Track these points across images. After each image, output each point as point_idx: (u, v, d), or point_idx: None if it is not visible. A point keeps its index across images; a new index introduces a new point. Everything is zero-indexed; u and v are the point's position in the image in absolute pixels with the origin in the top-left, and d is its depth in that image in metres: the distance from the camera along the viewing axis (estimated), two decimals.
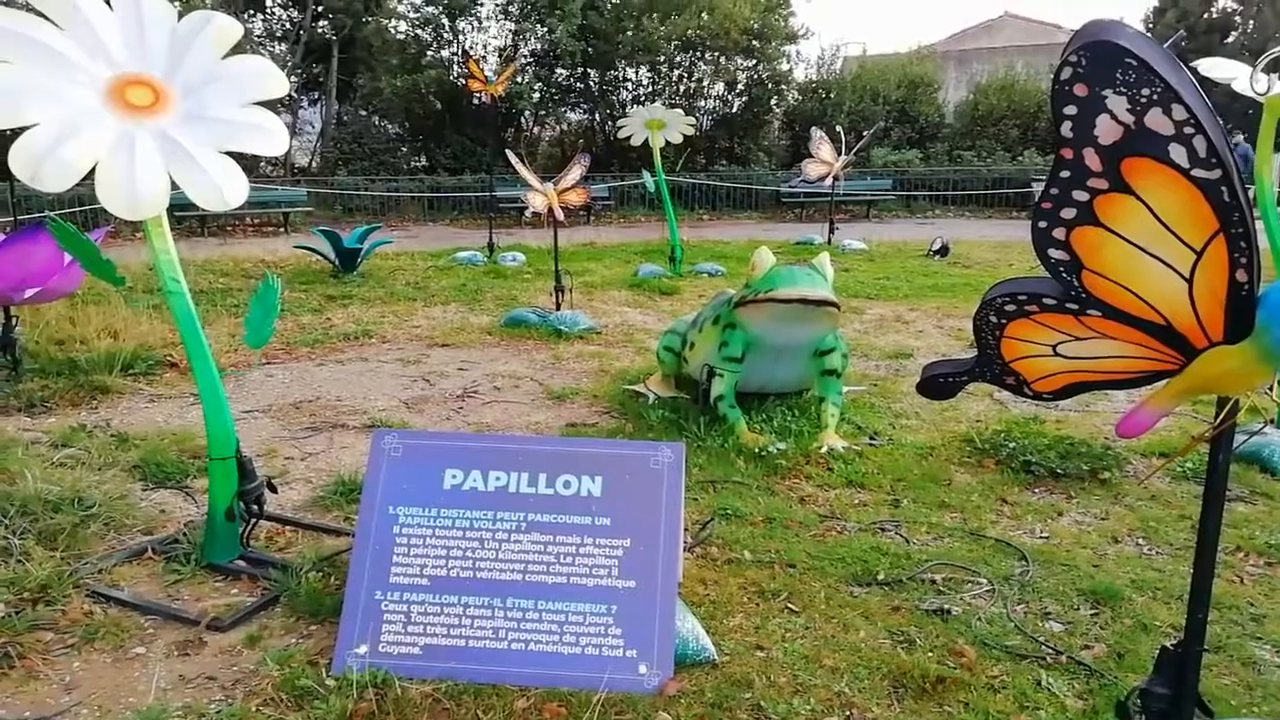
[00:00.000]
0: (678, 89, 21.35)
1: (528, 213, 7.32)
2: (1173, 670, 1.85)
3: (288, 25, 23.28)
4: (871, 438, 4.47)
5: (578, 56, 19.75)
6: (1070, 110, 1.36)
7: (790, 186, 17.84)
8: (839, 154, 12.36)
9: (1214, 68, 4.09)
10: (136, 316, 6.72)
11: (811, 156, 12.25)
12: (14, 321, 5.20)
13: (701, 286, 9.20)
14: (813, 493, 3.76)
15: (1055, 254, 1.59)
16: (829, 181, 12.26)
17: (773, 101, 22.69)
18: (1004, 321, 1.80)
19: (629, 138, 10.10)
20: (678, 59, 20.73)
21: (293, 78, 22.76)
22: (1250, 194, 1.58)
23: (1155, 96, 1.28)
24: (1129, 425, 1.85)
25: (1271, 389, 1.72)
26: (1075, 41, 1.32)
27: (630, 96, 21.50)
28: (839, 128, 12.54)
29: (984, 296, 1.81)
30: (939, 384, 2.11)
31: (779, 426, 4.45)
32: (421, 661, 2.29)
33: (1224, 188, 1.34)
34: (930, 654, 2.48)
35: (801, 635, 2.56)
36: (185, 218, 15.67)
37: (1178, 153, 1.34)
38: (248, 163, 20.66)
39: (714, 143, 21.83)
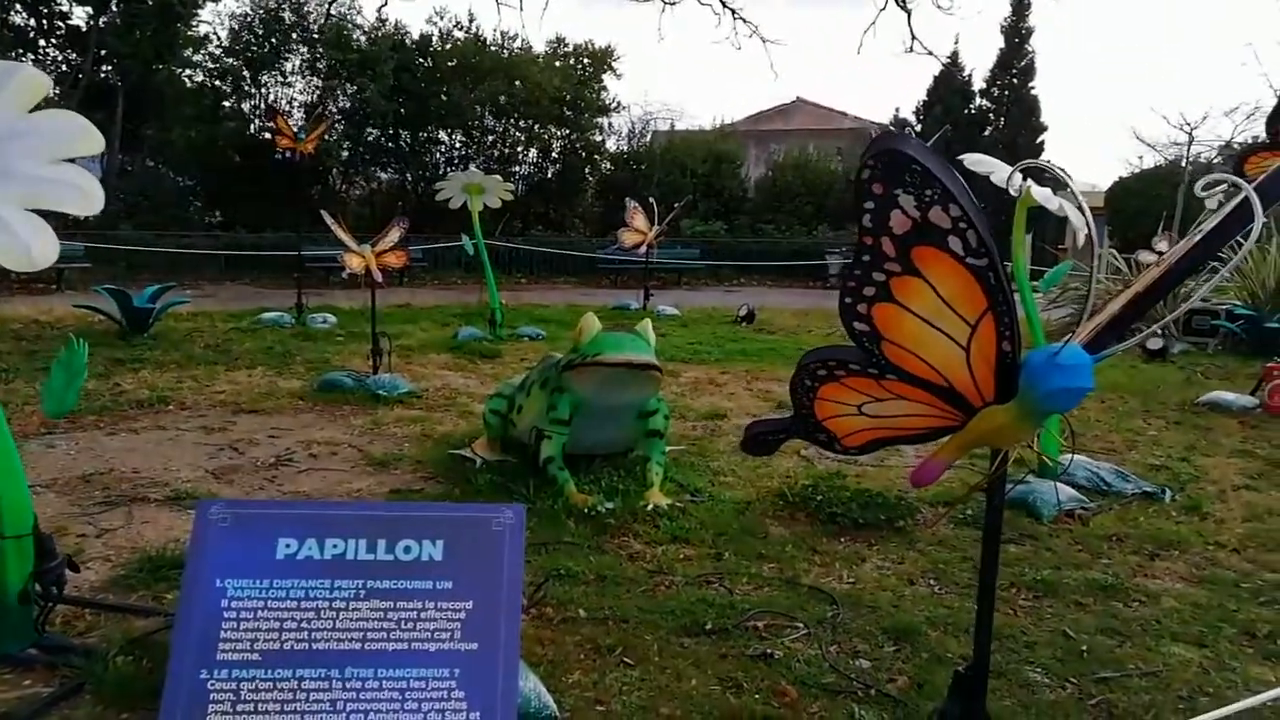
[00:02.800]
0: (492, 153, 21.60)
1: (344, 273, 7.16)
2: (963, 693, 2.09)
3: (64, 68, 21.64)
4: (693, 495, 4.68)
5: (390, 117, 19.60)
6: (870, 205, 1.60)
7: (606, 253, 18.38)
8: (652, 223, 12.92)
9: (978, 163, 4.71)
10: None
11: (626, 225, 12.73)
12: None
13: (523, 350, 9.29)
14: (641, 549, 3.89)
15: (859, 326, 1.83)
16: (643, 249, 12.76)
17: (586, 170, 23.40)
18: (817, 385, 2.02)
19: (447, 200, 10.13)
20: (490, 123, 21.00)
21: None
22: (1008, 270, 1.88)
23: (936, 197, 1.54)
24: (921, 474, 2.11)
25: (1033, 443, 2.02)
26: (872, 149, 1.56)
27: (444, 159, 21.53)
28: (650, 199, 13.12)
29: (800, 362, 2.03)
30: (761, 441, 2.31)
31: (606, 486, 4.58)
32: None
33: (990, 273, 1.62)
34: (757, 696, 2.64)
35: (638, 687, 2.66)
36: None
37: (955, 243, 1.60)
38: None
39: (529, 208, 22.16)
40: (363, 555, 2.41)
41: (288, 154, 11.04)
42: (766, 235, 22.47)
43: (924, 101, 29.06)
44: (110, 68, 21.20)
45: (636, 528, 4.11)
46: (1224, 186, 1.69)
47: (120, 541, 3.74)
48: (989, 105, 28.31)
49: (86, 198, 2.50)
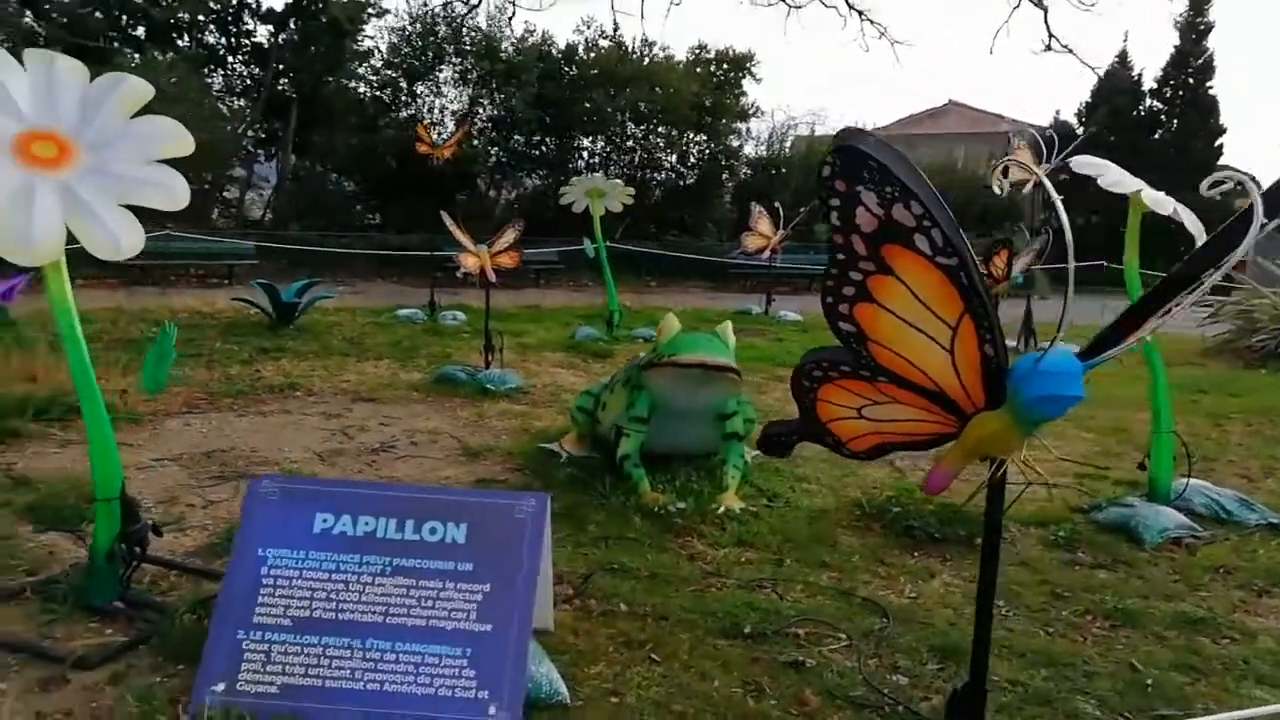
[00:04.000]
0: (632, 159, 21.93)
1: (459, 273, 7.48)
2: (959, 714, 2.00)
3: (248, 81, 23.53)
4: (770, 500, 4.63)
5: (534, 124, 20.24)
6: (835, 202, 1.56)
7: (731, 258, 18.33)
8: (777, 228, 12.79)
9: (1085, 165, 4.43)
10: (59, 362, 6.69)
11: (750, 230, 12.65)
12: None
13: (636, 351, 9.39)
14: (702, 550, 3.89)
15: (844, 326, 1.79)
16: (766, 255, 12.65)
17: (724, 176, 23.39)
18: (815, 386, 1.99)
19: (570, 204, 10.39)
20: (630, 130, 21.32)
21: (250, 133, 22.97)
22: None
23: (896, 194, 1.49)
24: (930, 483, 2.03)
25: (1026, 457, 1.90)
26: (833, 145, 1.53)
27: (586, 164, 22.02)
28: (777, 204, 12.98)
29: (799, 362, 2.00)
30: (775, 441, 2.29)
31: (681, 486, 4.59)
32: (278, 700, 2.35)
33: (962, 274, 1.55)
34: (776, 703, 2.61)
35: (658, 683, 2.67)
36: (130, 265, 15.61)
37: (921, 242, 1.54)
38: (194, 214, 20.67)
39: (665, 212, 22.36)
40: (391, 534, 2.55)
41: (433, 160, 11.59)
42: None
43: (1087, 103, 27.44)
44: (287, 81, 22.92)
45: (703, 529, 4.11)
46: (1228, 185, 1.54)
47: (221, 513, 4.07)
48: (1160, 106, 26.43)
49: (172, 196, 2.75)
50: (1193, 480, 4.57)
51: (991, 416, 1.73)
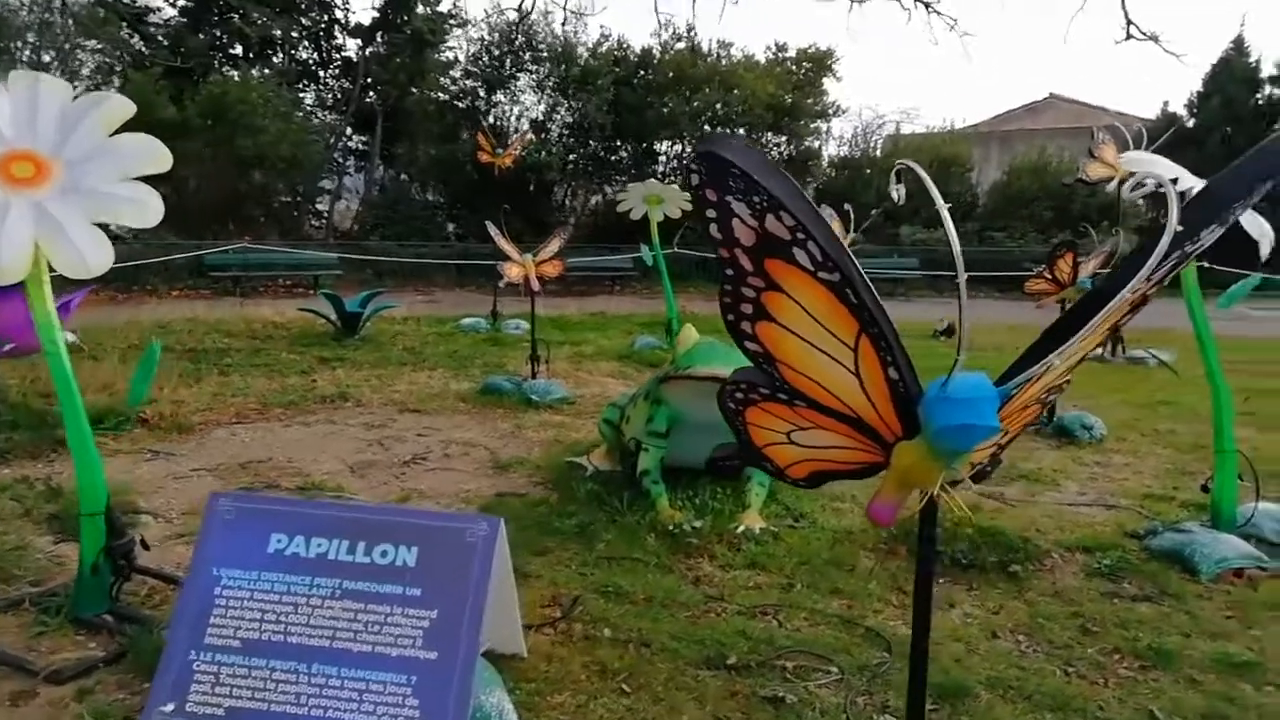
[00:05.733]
0: None
1: (501, 283, 7.49)
2: None
3: (338, 95, 24.37)
4: (795, 519, 4.43)
5: (608, 129, 20.29)
6: (711, 213, 1.42)
7: None
8: (849, 231, 12.42)
9: (1135, 162, 4.11)
10: (128, 373, 6.98)
11: None
12: None
13: None
14: (710, 573, 3.74)
15: (751, 346, 1.64)
16: None
17: (805, 179, 22.99)
18: (740, 409, 1.83)
19: (628, 211, 10.31)
20: (705, 133, 21.15)
21: (339, 145, 23.76)
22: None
23: (765, 204, 1.34)
24: (873, 515, 1.86)
25: (940, 489, 1.71)
26: (694, 151, 1.39)
27: (663, 169, 21.97)
28: (847, 206, 12.60)
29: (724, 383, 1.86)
30: (721, 466, 2.14)
31: (700, 504, 4.44)
32: None
33: (847, 289, 1.38)
34: None
35: (620, 717, 2.55)
36: (220, 278, 16.33)
37: (801, 256, 1.38)
38: (288, 225, 21.44)
39: None
40: (343, 556, 2.49)
41: (495, 168, 11.69)
42: (997, 244, 20.94)
43: (1199, 93, 25.87)
44: (374, 94, 23.64)
45: (716, 550, 3.95)
46: (1149, 188, 1.33)
47: None
48: None
49: (144, 211, 2.77)
50: (1263, 504, 4.17)
51: (909, 446, 1.55)
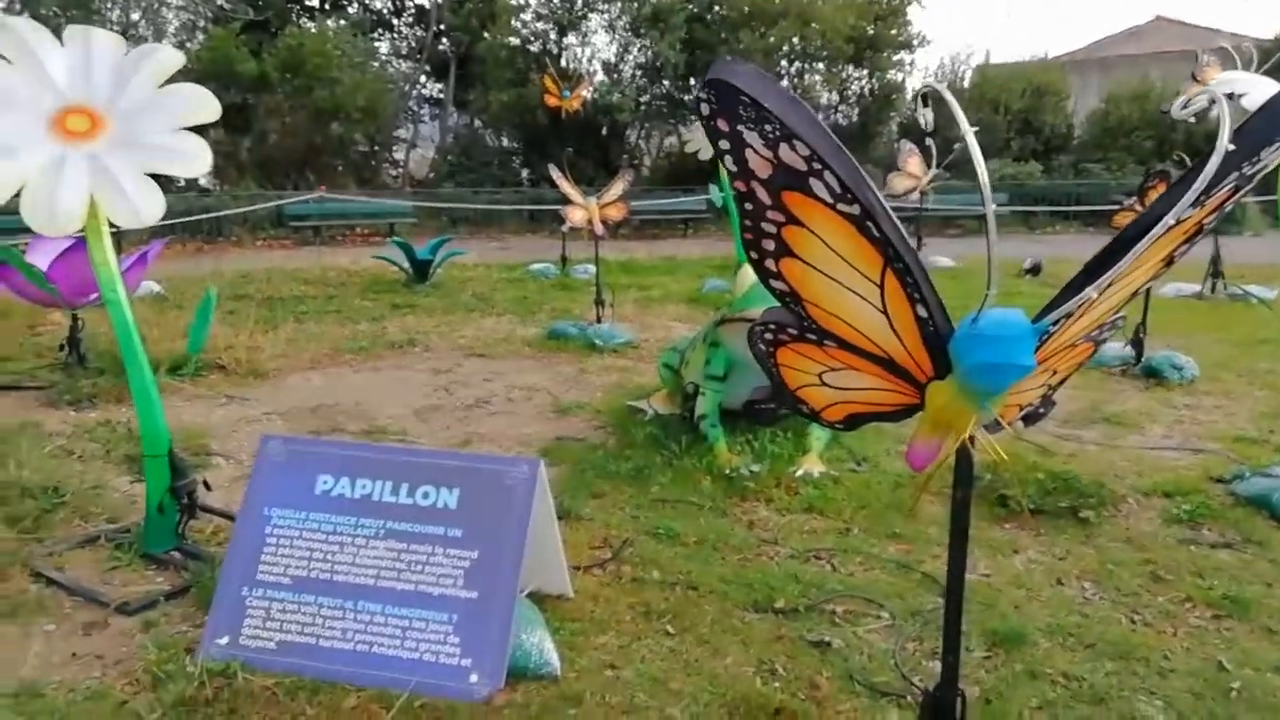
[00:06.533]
0: None
1: (564, 227, 7.44)
2: (928, 717, 1.76)
3: (412, 43, 24.46)
4: (857, 463, 4.34)
5: (681, 68, 19.88)
6: (724, 145, 1.34)
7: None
8: (929, 167, 11.97)
9: (1228, 82, 3.79)
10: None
11: (899, 169, 11.92)
12: (80, 324, 5.73)
13: None
14: (765, 517, 3.69)
15: (777, 285, 1.56)
16: (916, 195, 11.89)
17: (890, 114, 22.21)
18: (771, 350, 1.76)
19: (696, 152, 10.10)
20: (783, 68, 20.55)
21: (414, 92, 23.91)
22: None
23: (778, 133, 1.25)
24: (911, 460, 1.77)
25: (974, 434, 1.60)
26: (704, 79, 1.30)
27: None
28: (928, 141, 12.12)
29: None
30: (756, 410, 2.08)
31: (760, 448, 4.38)
32: (274, 656, 2.41)
33: (869, 223, 1.29)
34: (784, 685, 2.42)
35: (664, 658, 2.54)
36: (301, 227, 16.74)
37: (819, 187, 1.29)
38: (366, 174, 21.79)
39: None
40: (387, 497, 2.54)
41: (564, 111, 11.58)
42: (1094, 176, 19.92)
43: None
44: (447, 40, 23.65)
45: (774, 494, 3.89)
46: (1202, 104, 1.19)
47: None
48: None
49: (192, 161, 2.81)
50: None
51: (941, 387, 1.46)
